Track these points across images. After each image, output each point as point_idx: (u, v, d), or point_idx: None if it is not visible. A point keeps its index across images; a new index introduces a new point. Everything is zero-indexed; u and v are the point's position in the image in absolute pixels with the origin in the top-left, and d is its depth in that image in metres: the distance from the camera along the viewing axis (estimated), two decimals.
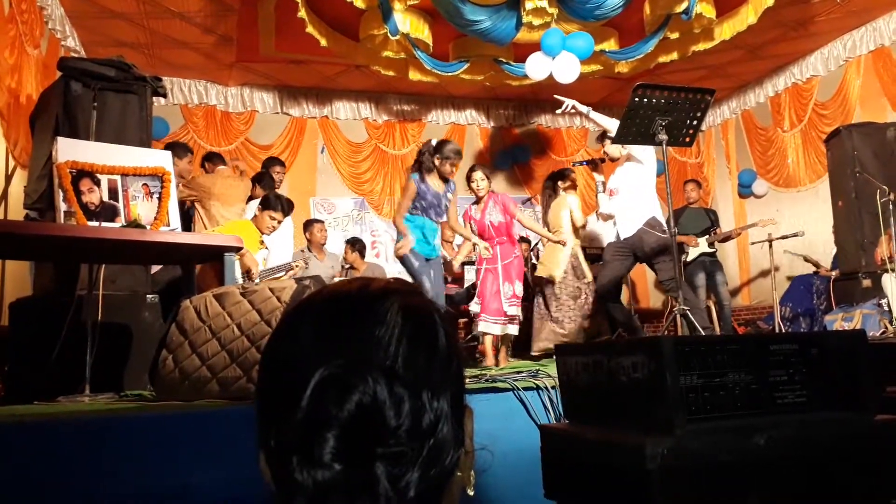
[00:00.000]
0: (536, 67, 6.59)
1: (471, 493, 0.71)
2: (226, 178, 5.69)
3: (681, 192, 9.59)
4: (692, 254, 6.84)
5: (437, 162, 4.55)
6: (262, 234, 4.84)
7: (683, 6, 6.14)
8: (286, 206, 5.06)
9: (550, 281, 5.40)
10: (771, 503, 1.30)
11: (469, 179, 4.97)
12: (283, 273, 5.03)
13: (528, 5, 5.88)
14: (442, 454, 0.63)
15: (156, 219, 3.15)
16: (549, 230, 5.53)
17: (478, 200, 4.97)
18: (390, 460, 0.60)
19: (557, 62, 6.49)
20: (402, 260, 4.58)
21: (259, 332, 2.50)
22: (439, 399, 0.64)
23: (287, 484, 0.61)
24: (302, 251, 6.17)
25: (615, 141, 4.41)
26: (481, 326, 4.81)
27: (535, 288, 5.74)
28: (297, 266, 5.19)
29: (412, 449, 0.61)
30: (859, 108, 7.27)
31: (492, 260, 4.84)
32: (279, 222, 4.91)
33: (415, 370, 0.63)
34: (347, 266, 7.13)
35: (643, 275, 9.06)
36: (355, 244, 7.21)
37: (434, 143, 4.68)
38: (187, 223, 5.21)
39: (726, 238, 7.32)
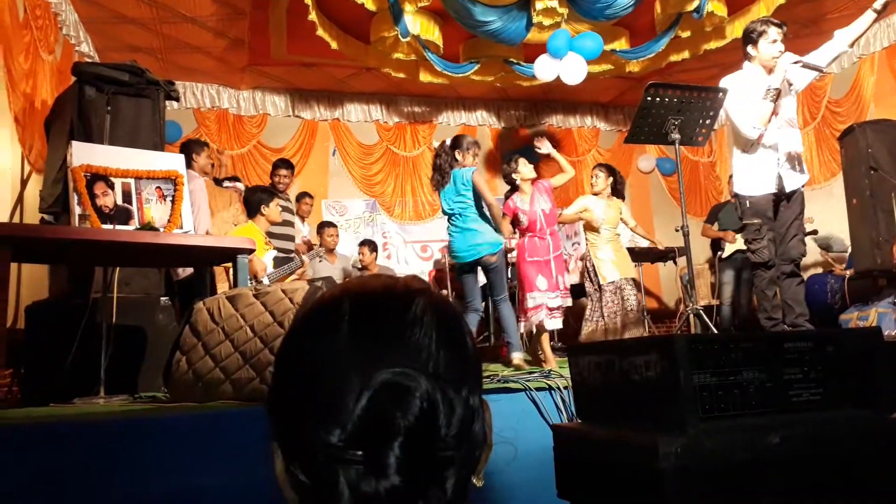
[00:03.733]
0: (544, 69, 6.60)
1: (479, 484, 0.70)
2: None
3: (694, 193, 9.57)
4: (728, 250, 6.76)
5: (458, 156, 4.42)
6: (275, 223, 5.03)
7: (694, 5, 6.12)
8: (273, 191, 5.29)
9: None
10: (786, 502, 1.29)
11: (515, 167, 4.69)
12: (292, 273, 5.05)
13: (539, 5, 5.89)
14: (475, 452, 0.63)
15: (169, 221, 3.17)
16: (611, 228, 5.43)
17: (517, 190, 4.72)
18: (440, 465, 0.59)
19: (565, 63, 6.49)
20: (499, 265, 4.37)
21: (272, 334, 2.51)
22: (473, 396, 0.64)
23: (334, 496, 0.59)
24: (315, 250, 6.19)
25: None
26: (535, 320, 4.53)
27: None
28: (305, 265, 5.22)
29: (457, 451, 0.60)
30: (873, 106, 7.21)
31: (544, 251, 4.64)
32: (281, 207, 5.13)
33: (453, 371, 0.63)
34: (360, 267, 7.16)
35: (655, 272, 9.02)
36: (373, 246, 7.27)
37: (448, 142, 4.54)
38: None
39: None
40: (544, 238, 4.58)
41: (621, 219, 5.55)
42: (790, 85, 4.01)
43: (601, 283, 5.28)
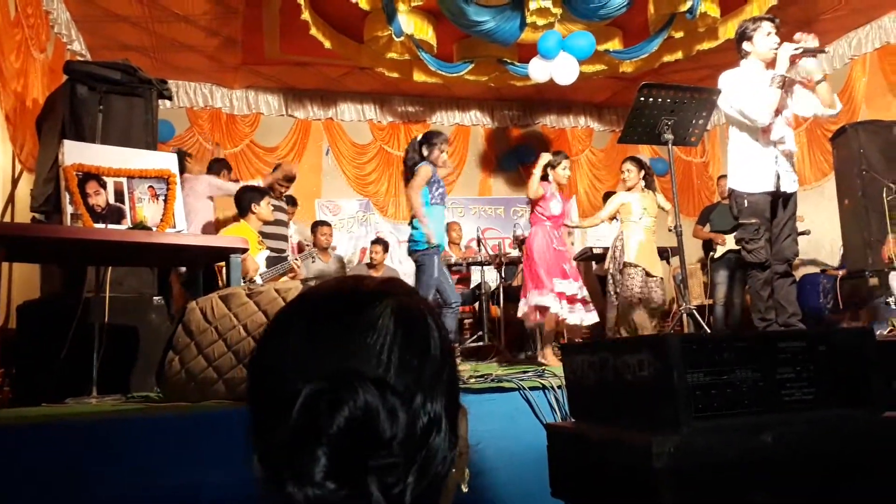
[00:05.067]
0: (538, 70, 6.63)
1: (465, 489, 0.70)
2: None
3: (687, 193, 9.59)
4: (720, 251, 6.77)
5: (427, 151, 4.53)
6: (268, 223, 5.02)
7: (688, 5, 6.14)
8: (264, 190, 5.28)
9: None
10: (779, 501, 1.29)
11: (558, 165, 4.75)
12: (285, 274, 5.04)
13: (532, 5, 5.89)
14: (436, 458, 0.62)
15: (162, 221, 3.16)
16: (650, 218, 5.36)
17: (558, 188, 4.79)
18: (383, 471, 0.58)
19: (556, 64, 6.51)
20: (423, 264, 4.34)
21: None
22: (433, 403, 0.63)
23: (279, 495, 0.59)
24: (307, 248, 6.18)
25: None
26: (588, 318, 4.51)
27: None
28: (297, 267, 5.20)
29: (405, 458, 0.60)
30: (865, 106, 7.24)
31: (562, 244, 4.65)
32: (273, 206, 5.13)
33: (407, 377, 0.62)
34: (370, 264, 7.20)
35: None
36: (386, 245, 7.29)
37: (419, 137, 4.66)
38: None
39: None
40: (561, 235, 4.65)
41: (659, 206, 5.43)
42: (790, 90, 4.00)
43: (625, 261, 5.21)
